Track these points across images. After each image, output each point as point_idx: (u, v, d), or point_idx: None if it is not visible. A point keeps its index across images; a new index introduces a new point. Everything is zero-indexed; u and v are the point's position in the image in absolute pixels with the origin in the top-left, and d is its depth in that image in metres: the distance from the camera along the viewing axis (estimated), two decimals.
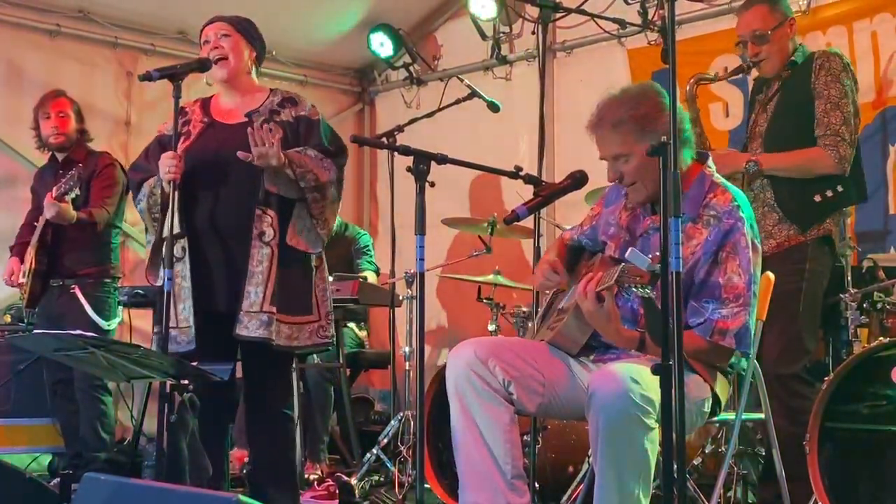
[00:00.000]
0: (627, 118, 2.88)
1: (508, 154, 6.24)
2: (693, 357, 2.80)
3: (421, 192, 2.87)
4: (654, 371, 2.35)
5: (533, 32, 6.10)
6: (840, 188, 3.66)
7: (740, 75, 4.22)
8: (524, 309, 4.86)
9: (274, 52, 6.70)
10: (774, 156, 3.75)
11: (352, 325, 5.83)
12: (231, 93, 3.73)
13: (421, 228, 2.87)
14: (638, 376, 2.62)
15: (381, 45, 6.71)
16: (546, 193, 3.04)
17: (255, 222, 3.51)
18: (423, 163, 2.89)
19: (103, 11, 6.02)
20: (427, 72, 6.94)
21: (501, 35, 6.41)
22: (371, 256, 5.94)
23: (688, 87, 4.01)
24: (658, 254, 2.50)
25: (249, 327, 3.48)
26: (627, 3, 5.53)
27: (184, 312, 3.51)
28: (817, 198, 3.66)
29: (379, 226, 7.24)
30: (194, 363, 2.93)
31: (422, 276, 2.94)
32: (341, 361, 5.33)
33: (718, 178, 3.01)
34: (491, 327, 5.08)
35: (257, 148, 3.42)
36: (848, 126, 3.65)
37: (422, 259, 2.89)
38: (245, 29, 3.75)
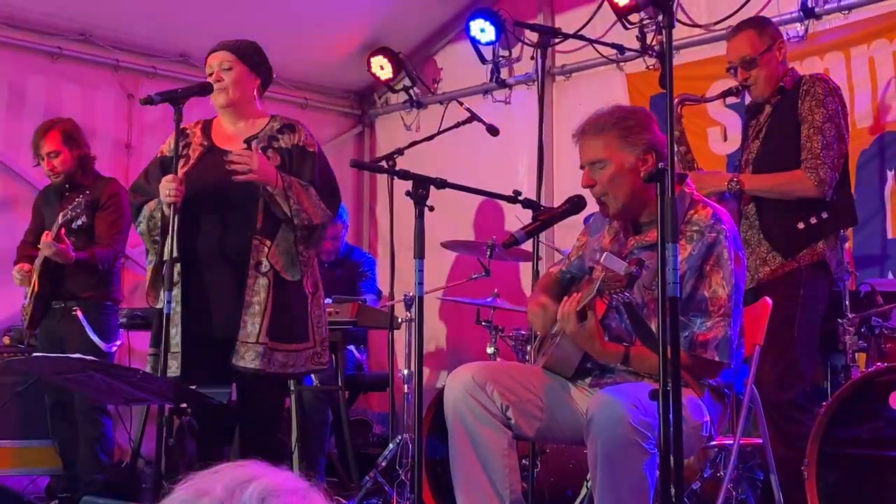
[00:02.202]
0: (612, 125, 2.96)
1: (508, 177, 6.26)
2: (683, 370, 2.82)
3: (420, 217, 2.88)
4: (652, 397, 2.35)
5: (532, 57, 6.14)
6: (825, 215, 3.67)
7: (729, 98, 4.24)
8: (523, 332, 4.87)
9: (274, 76, 6.72)
10: (756, 177, 3.78)
11: (351, 347, 5.83)
12: (232, 118, 3.76)
13: (420, 252, 2.88)
14: (636, 401, 2.63)
15: (381, 68, 6.74)
16: (544, 218, 3.05)
17: (252, 252, 3.53)
18: (422, 187, 2.90)
19: (105, 34, 6.05)
20: (427, 95, 6.97)
21: (501, 59, 6.45)
22: (373, 281, 5.95)
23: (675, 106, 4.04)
24: (634, 258, 2.63)
25: (245, 358, 3.50)
26: (626, 28, 5.58)
27: (175, 338, 3.51)
28: (800, 225, 3.67)
29: (379, 248, 7.25)
30: (193, 387, 2.94)
31: (420, 299, 2.95)
32: (340, 384, 5.33)
33: (698, 195, 3.08)
34: (489, 350, 5.08)
35: (236, 165, 3.47)
36: (829, 150, 3.65)
37: (421, 283, 2.90)
38: (249, 56, 3.77)
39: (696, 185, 3.76)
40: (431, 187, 2.97)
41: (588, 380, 3.07)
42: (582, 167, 3.05)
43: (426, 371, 6.67)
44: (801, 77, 3.83)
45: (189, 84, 3.82)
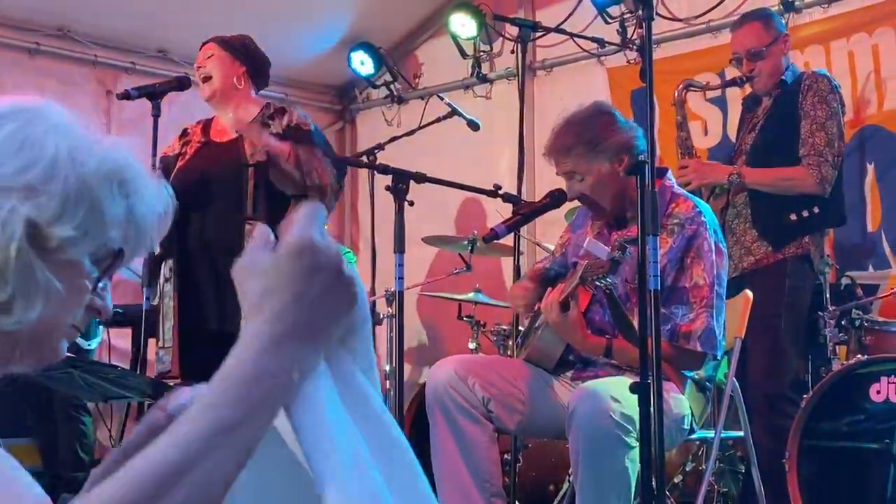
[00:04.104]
0: (575, 143, 2.99)
1: (489, 171, 6.25)
2: (665, 361, 2.82)
3: (400, 212, 2.88)
4: (633, 390, 2.35)
5: (512, 51, 6.12)
6: (816, 209, 3.69)
7: (727, 90, 4.24)
8: (504, 327, 4.87)
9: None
10: (758, 171, 3.79)
11: None
12: (223, 109, 3.73)
13: (400, 247, 2.88)
14: (618, 394, 2.63)
15: (362, 63, 6.71)
16: (525, 212, 3.05)
17: (246, 237, 3.50)
18: (402, 182, 2.89)
19: (83, 30, 6.00)
20: (408, 90, 6.94)
21: (482, 53, 6.43)
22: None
23: (676, 93, 4.06)
24: (616, 243, 2.68)
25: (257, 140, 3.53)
26: (607, 23, 5.57)
27: (168, 332, 3.49)
28: (793, 217, 3.69)
29: (360, 243, 7.23)
30: (176, 381, 2.92)
31: (401, 294, 2.94)
32: None
33: (678, 189, 3.10)
34: (471, 345, 5.08)
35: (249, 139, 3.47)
36: (831, 147, 3.68)
37: (401, 278, 2.89)
38: (230, 45, 3.76)
39: (696, 174, 3.78)
40: (412, 182, 2.95)
41: (570, 373, 3.07)
42: (559, 175, 3.08)
43: (408, 366, 6.65)
44: (803, 72, 3.85)
45: (169, 79, 3.79)
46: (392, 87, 6.91)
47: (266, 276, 1.01)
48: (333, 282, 0.99)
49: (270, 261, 1.01)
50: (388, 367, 5.12)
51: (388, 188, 2.92)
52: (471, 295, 5.10)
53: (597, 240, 3.07)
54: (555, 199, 3.06)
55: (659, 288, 2.40)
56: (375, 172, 4.64)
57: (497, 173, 6.22)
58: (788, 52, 3.95)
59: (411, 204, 2.93)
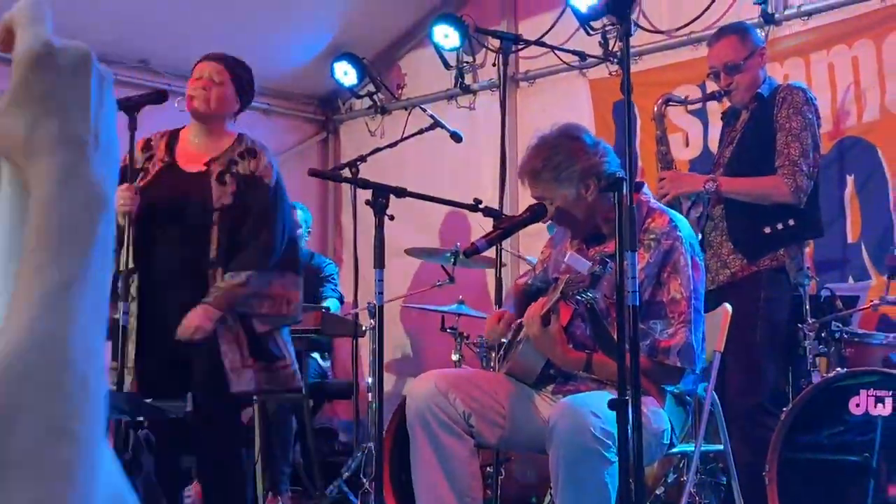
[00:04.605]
0: (542, 168, 3.01)
1: (472, 182, 6.26)
2: (644, 376, 2.83)
3: (380, 227, 2.87)
4: (611, 406, 2.35)
5: (494, 64, 6.13)
6: (791, 222, 3.70)
7: (708, 102, 4.26)
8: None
9: None
10: (733, 180, 3.81)
11: (315, 355, 5.79)
12: (201, 131, 3.67)
13: (380, 262, 2.87)
14: (598, 409, 2.63)
15: (345, 73, 6.71)
16: (506, 226, 3.05)
17: (208, 280, 3.49)
18: (381, 196, 2.89)
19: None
20: (391, 101, 6.95)
21: (465, 65, 6.44)
22: (335, 285, 5.93)
23: (655, 107, 4.06)
24: (597, 257, 2.72)
25: (241, 383, 3.47)
26: (589, 34, 5.59)
27: (130, 353, 3.47)
28: (767, 229, 3.71)
29: (343, 254, 7.21)
30: (148, 400, 2.90)
31: (380, 309, 2.94)
32: (304, 392, 5.29)
33: (654, 203, 3.11)
34: (454, 357, 5.07)
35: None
36: (806, 158, 3.70)
37: (381, 293, 2.89)
38: (241, 79, 3.70)
39: (673, 184, 3.80)
40: (392, 195, 2.95)
41: (551, 387, 3.07)
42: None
43: (391, 378, 6.65)
44: (779, 85, 3.87)
45: (148, 91, 3.77)
46: (375, 97, 6.92)
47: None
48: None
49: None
50: (370, 380, 5.10)
51: (368, 203, 2.91)
52: (454, 307, 5.09)
53: (576, 253, 3.08)
54: (535, 213, 3.06)
55: (638, 303, 2.39)
56: (359, 172, 4.67)
57: (480, 183, 6.23)
58: (765, 66, 3.97)
59: (391, 218, 2.92)
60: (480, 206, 3.12)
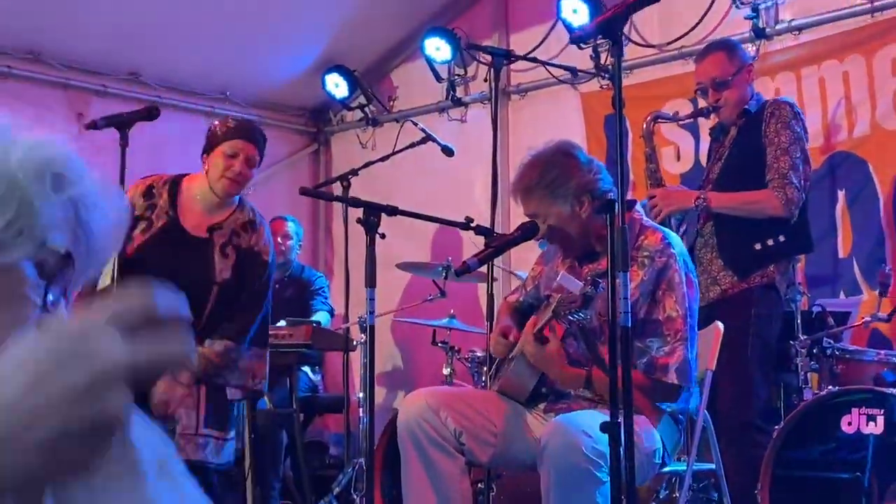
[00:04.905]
0: (536, 184, 3.00)
1: (464, 194, 6.25)
2: (641, 394, 2.82)
3: (371, 245, 2.86)
4: (603, 429, 2.34)
5: (485, 80, 6.13)
6: (782, 238, 3.70)
7: (697, 119, 4.27)
8: (479, 354, 4.86)
9: (228, 94, 6.69)
10: (724, 195, 3.81)
11: (306, 368, 5.78)
12: (210, 197, 3.60)
13: (371, 281, 2.86)
14: (590, 429, 2.62)
15: (336, 86, 6.70)
16: (497, 244, 3.04)
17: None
18: (373, 215, 2.88)
19: (54, 53, 5.95)
20: (382, 113, 6.94)
21: (456, 77, 6.44)
22: (325, 298, 5.92)
23: (644, 125, 4.06)
24: (589, 278, 2.71)
25: (187, 450, 3.41)
26: (580, 48, 5.59)
27: None
28: (757, 246, 3.70)
29: (335, 265, 7.20)
30: None
31: (372, 328, 2.92)
32: (294, 407, 5.27)
33: (647, 221, 3.10)
34: (446, 371, 5.06)
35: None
36: (796, 171, 3.70)
37: (372, 312, 2.87)
38: (261, 156, 3.67)
39: (664, 201, 3.79)
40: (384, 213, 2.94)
41: (542, 405, 3.06)
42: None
43: (382, 391, 6.63)
44: (766, 100, 3.87)
45: (137, 108, 3.73)
46: (367, 109, 6.92)
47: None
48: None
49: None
50: (361, 395, 5.09)
51: (358, 221, 2.90)
52: (445, 321, 5.08)
53: (569, 273, 3.07)
54: (526, 231, 3.05)
55: (629, 325, 2.38)
56: (349, 190, 4.66)
57: (472, 195, 6.23)
58: (753, 82, 3.97)
59: (383, 237, 2.91)
60: (472, 225, 3.11)
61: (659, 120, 4.10)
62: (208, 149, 3.60)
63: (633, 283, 2.90)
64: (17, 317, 0.96)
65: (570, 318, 2.72)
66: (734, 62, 3.90)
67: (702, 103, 4.02)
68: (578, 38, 2.55)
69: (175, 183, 3.67)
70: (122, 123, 3.49)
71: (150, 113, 3.60)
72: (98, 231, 1.02)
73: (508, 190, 6.01)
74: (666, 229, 3.10)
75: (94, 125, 3.45)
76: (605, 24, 2.46)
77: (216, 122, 3.69)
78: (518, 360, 3.03)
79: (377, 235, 2.91)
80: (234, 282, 3.54)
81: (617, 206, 2.39)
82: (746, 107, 3.87)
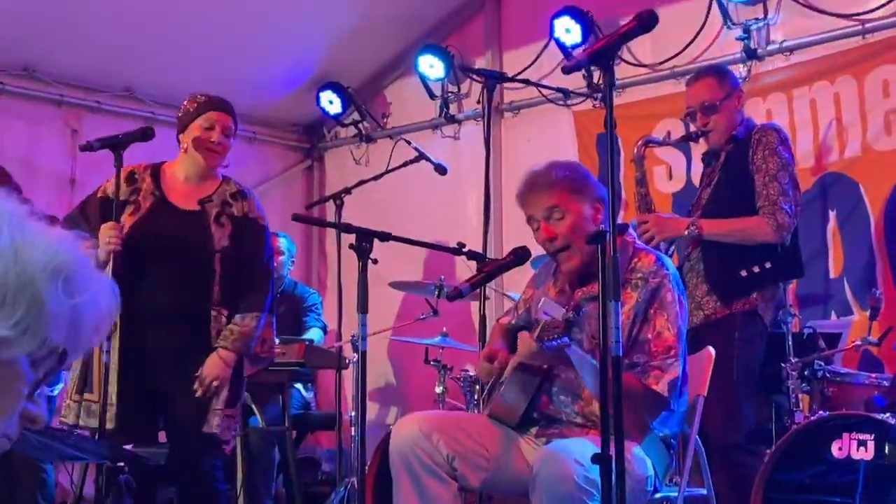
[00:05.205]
0: (561, 178, 2.99)
1: (457, 210, 6.29)
2: (629, 399, 2.80)
3: (363, 271, 2.86)
4: (594, 461, 2.35)
5: (479, 101, 6.14)
6: (768, 264, 3.71)
7: (688, 143, 4.30)
8: (471, 373, 4.86)
9: None
10: (715, 221, 3.82)
11: (298, 385, 5.77)
12: (194, 171, 3.66)
13: (363, 307, 2.86)
14: (581, 458, 2.62)
15: (330, 102, 6.72)
16: (489, 269, 3.06)
17: (210, 322, 3.52)
18: (365, 241, 2.88)
19: (49, 69, 5.96)
20: (376, 129, 6.96)
21: (450, 94, 6.46)
22: (318, 314, 5.91)
23: (635, 149, 4.07)
24: (572, 304, 2.70)
25: (212, 424, 3.51)
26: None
27: (112, 389, 3.45)
28: (743, 272, 3.71)
29: (328, 281, 7.20)
30: (129, 446, 2.89)
31: (363, 354, 2.92)
32: (287, 424, 5.27)
33: (640, 244, 3.12)
34: (438, 389, 5.07)
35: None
36: (786, 197, 3.71)
37: (364, 338, 2.88)
38: (237, 123, 3.77)
39: (656, 228, 3.80)
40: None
41: (534, 429, 3.07)
42: (531, 222, 3.05)
43: (374, 406, 6.64)
44: (754, 126, 3.89)
45: (131, 128, 3.74)
46: (360, 126, 6.93)
47: None
48: None
49: None
50: (353, 414, 5.08)
51: (351, 247, 2.91)
52: (437, 339, 5.09)
53: (559, 296, 3.07)
54: (518, 256, 3.06)
55: (620, 354, 2.39)
56: (341, 212, 4.68)
57: (465, 212, 6.26)
58: (743, 108, 3.98)
59: (375, 262, 2.92)
60: (464, 250, 3.12)
61: (650, 144, 4.12)
62: (183, 128, 3.68)
63: (628, 305, 2.91)
64: (2, 408, 1.00)
65: (552, 342, 2.72)
66: (724, 87, 3.92)
67: (691, 127, 4.03)
68: (571, 68, 2.53)
69: (156, 167, 3.73)
70: (116, 145, 3.50)
71: (145, 134, 3.62)
72: (92, 329, 1.06)
73: (501, 210, 6.10)
74: (659, 252, 3.11)
75: (89, 147, 3.46)
76: (597, 54, 2.47)
77: (185, 102, 3.74)
78: (508, 384, 3.04)
79: (370, 261, 2.91)
80: (233, 250, 3.58)
81: (608, 235, 2.39)
82: (735, 133, 3.88)
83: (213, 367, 3.49)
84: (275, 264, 3.88)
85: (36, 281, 1.00)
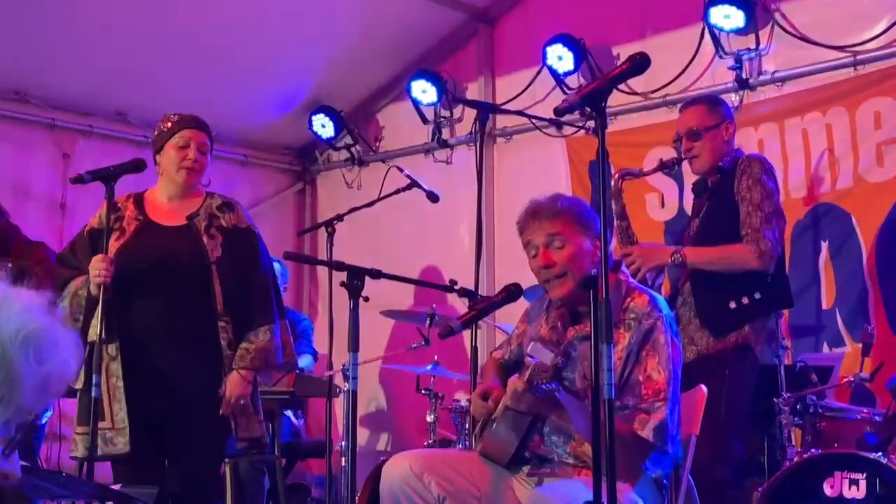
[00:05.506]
0: (567, 209, 2.99)
1: (450, 235, 6.28)
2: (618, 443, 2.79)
3: (355, 309, 2.85)
4: None
5: (471, 132, 6.14)
6: (757, 295, 3.71)
7: (668, 170, 4.29)
8: (462, 403, 4.85)
9: (215, 133, 6.63)
10: (698, 249, 3.82)
11: (288, 413, 5.75)
12: (175, 193, 3.67)
13: (354, 346, 2.85)
14: (572, 500, 2.61)
15: (323, 126, 6.72)
16: (481, 307, 3.05)
17: (219, 333, 3.52)
18: (356, 278, 2.87)
19: (40, 93, 5.95)
20: (368, 153, 6.96)
21: (442, 119, 6.46)
22: (309, 341, 5.89)
23: (613, 182, 4.06)
24: (560, 349, 2.69)
25: (250, 429, 3.59)
26: (565, 94, 5.65)
27: (120, 413, 3.45)
28: (732, 304, 3.71)
29: (319, 304, 7.18)
30: (118, 486, 2.86)
31: (354, 394, 2.91)
32: (276, 452, 5.24)
33: (633, 283, 3.10)
34: (429, 418, 5.06)
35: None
36: (769, 225, 3.72)
37: (355, 378, 2.86)
38: (212, 143, 3.75)
39: (642, 259, 3.80)
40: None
41: (526, 468, 3.04)
42: (528, 248, 3.04)
43: (365, 432, 6.61)
44: (739, 157, 3.89)
45: (123, 155, 3.76)
46: (353, 150, 6.93)
47: None
48: None
49: None
50: (343, 444, 5.06)
51: (342, 284, 2.89)
52: (429, 367, 5.07)
53: (551, 332, 3.06)
54: (510, 293, 3.05)
55: (613, 396, 2.38)
56: (334, 234, 4.66)
57: (458, 235, 6.25)
58: (732, 140, 3.97)
59: (366, 300, 2.91)
60: (456, 288, 3.11)
61: (627, 177, 4.11)
62: (158, 149, 3.68)
63: (620, 345, 2.89)
64: None
65: (542, 387, 2.71)
66: (714, 116, 3.93)
67: (669, 150, 4.05)
68: (563, 110, 2.53)
69: (138, 196, 3.74)
70: (108, 177, 3.48)
71: (137, 166, 3.60)
72: (60, 390, 1.11)
73: (493, 235, 6.10)
74: (652, 291, 3.10)
75: (80, 179, 3.44)
76: (589, 96, 2.48)
77: (159, 122, 3.75)
78: (500, 422, 3.01)
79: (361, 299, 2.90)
80: (227, 260, 3.57)
81: (599, 282, 2.38)
82: (721, 163, 3.88)
83: (235, 385, 3.51)
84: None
85: (10, 353, 1.03)
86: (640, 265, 3.79)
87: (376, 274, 2.90)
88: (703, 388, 3.20)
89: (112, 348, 3.49)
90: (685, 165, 4.11)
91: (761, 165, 3.82)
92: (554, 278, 2.99)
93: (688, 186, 5.13)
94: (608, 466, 2.36)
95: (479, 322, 4.05)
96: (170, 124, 3.68)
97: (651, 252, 3.90)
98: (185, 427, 3.51)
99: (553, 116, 4.90)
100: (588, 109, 5.04)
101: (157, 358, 3.51)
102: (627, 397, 2.87)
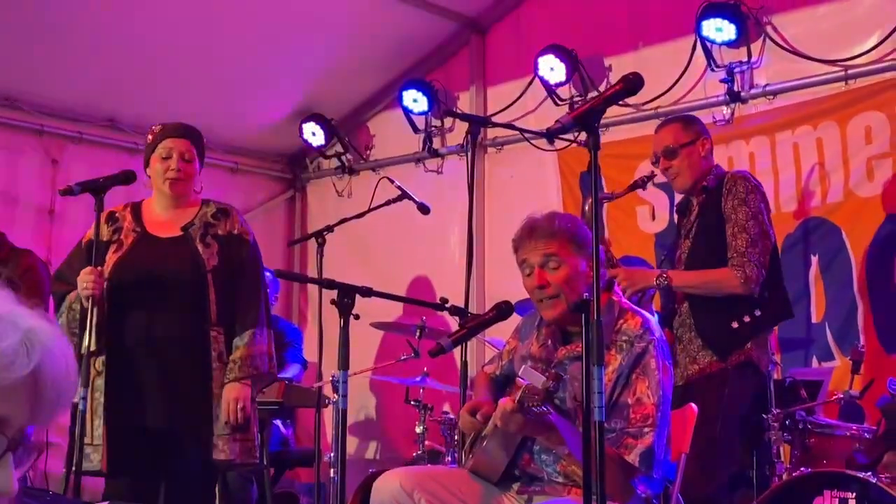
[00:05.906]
0: (564, 229, 2.97)
1: (441, 244, 6.26)
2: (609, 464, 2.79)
3: (345, 327, 2.84)
4: None
5: (462, 144, 6.13)
6: (758, 312, 3.71)
7: (647, 184, 4.27)
8: (451, 416, 4.84)
9: (205, 140, 6.64)
10: (683, 273, 3.82)
11: (277, 422, 5.73)
12: (170, 204, 3.67)
13: (345, 364, 2.84)
14: None
15: (313, 134, 6.71)
16: (471, 325, 3.04)
17: (211, 344, 3.50)
18: (347, 297, 2.86)
19: (30, 99, 5.92)
20: (359, 161, 6.94)
21: (433, 129, 6.46)
22: (299, 350, 5.87)
23: (586, 207, 4.03)
24: (552, 372, 2.64)
25: (226, 450, 3.48)
26: (556, 105, 5.65)
27: (97, 430, 3.43)
28: (734, 324, 3.70)
29: (308, 314, 7.16)
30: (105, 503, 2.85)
31: (344, 413, 2.89)
32: (265, 462, 5.22)
33: (626, 303, 3.08)
34: (418, 430, 5.05)
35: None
36: (754, 247, 3.70)
37: (345, 396, 2.85)
38: (201, 149, 3.72)
39: (627, 282, 3.78)
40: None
41: (515, 486, 3.04)
42: (523, 267, 3.02)
43: (355, 441, 6.59)
44: (724, 175, 3.88)
45: (113, 165, 3.74)
46: (343, 158, 6.91)
47: None
48: None
49: None
50: (331, 455, 5.04)
51: (333, 302, 2.88)
52: (419, 379, 5.06)
53: (542, 351, 3.05)
54: (501, 311, 3.04)
55: (604, 419, 2.37)
56: (325, 244, 4.64)
57: (448, 244, 6.23)
58: (710, 155, 3.96)
59: (356, 317, 2.89)
60: (447, 306, 3.10)
61: (602, 202, 4.11)
62: (146, 162, 3.69)
63: (611, 367, 2.88)
64: None
65: (533, 410, 2.69)
66: (688, 133, 3.93)
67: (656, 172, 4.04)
68: (555, 131, 2.53)
69: (136, 205, 3.74)
70: (97, 189, 3.47)
71: (127, 178, 3.60)
72: (66, 403, 1.12)
73: (483, 246, 6.09)
74: (645, 313, 3.08)
75: (69, 191, 3.43)
76: (582, 117, 2.48)
77: (147, 135, 3.74)
78: (491, 439, 3.01)
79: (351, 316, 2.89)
80: (223, 268, 3.57)
81: (592, 307, 2.38)
82: (705, 183, 3.88)
83: (232, 391, 3.48)
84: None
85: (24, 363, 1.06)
86: (625, 287, 3.77)
87: (367, 292, 2.89)
88: (694, 406, 3.20)
89: (98, 363, 3.47)
90: None
91: (746, 183, 3.80)
92: (547, 298, 2.98)
93: (678, 198, 5.15)
94: (598, 485, 2.36)
95: None
96: (153, 136, 3.68)
97: (636, 274, 3.89)
98: (173, 443, 3.49)
99: (543, 132, 4.97)
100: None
101: (145, 372, 3.49)
102: (615, 419, 2.86)
